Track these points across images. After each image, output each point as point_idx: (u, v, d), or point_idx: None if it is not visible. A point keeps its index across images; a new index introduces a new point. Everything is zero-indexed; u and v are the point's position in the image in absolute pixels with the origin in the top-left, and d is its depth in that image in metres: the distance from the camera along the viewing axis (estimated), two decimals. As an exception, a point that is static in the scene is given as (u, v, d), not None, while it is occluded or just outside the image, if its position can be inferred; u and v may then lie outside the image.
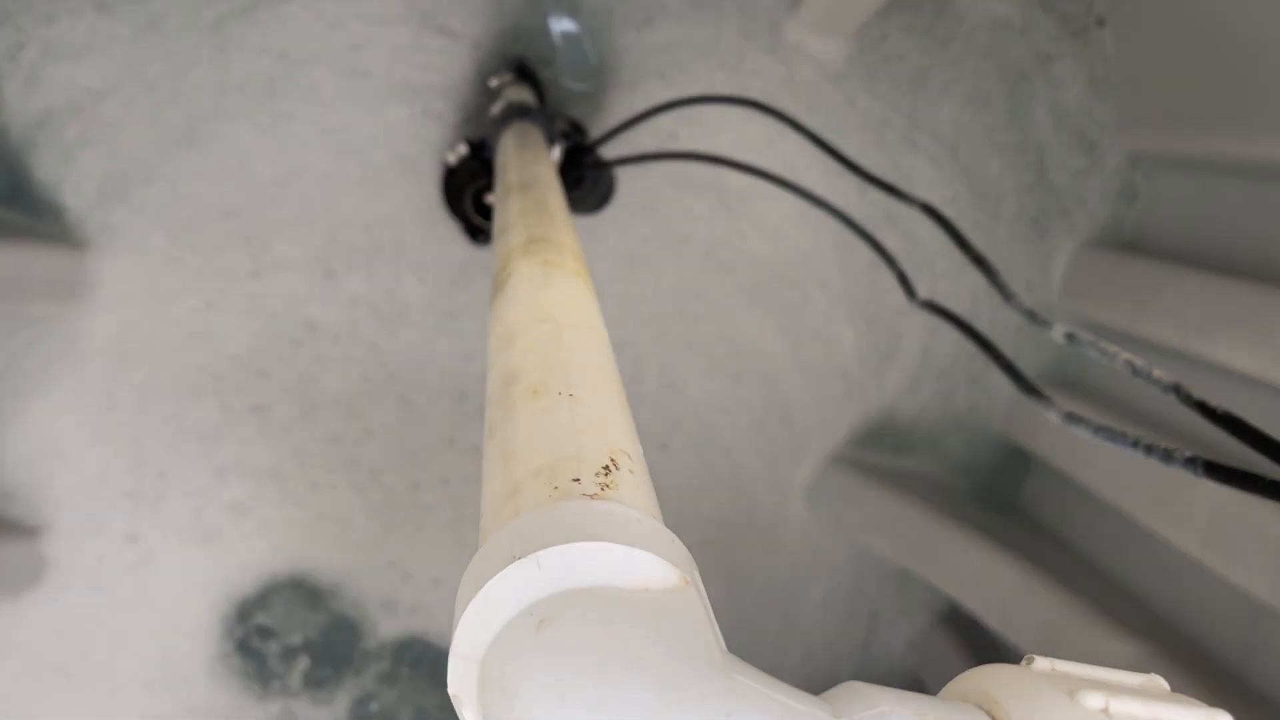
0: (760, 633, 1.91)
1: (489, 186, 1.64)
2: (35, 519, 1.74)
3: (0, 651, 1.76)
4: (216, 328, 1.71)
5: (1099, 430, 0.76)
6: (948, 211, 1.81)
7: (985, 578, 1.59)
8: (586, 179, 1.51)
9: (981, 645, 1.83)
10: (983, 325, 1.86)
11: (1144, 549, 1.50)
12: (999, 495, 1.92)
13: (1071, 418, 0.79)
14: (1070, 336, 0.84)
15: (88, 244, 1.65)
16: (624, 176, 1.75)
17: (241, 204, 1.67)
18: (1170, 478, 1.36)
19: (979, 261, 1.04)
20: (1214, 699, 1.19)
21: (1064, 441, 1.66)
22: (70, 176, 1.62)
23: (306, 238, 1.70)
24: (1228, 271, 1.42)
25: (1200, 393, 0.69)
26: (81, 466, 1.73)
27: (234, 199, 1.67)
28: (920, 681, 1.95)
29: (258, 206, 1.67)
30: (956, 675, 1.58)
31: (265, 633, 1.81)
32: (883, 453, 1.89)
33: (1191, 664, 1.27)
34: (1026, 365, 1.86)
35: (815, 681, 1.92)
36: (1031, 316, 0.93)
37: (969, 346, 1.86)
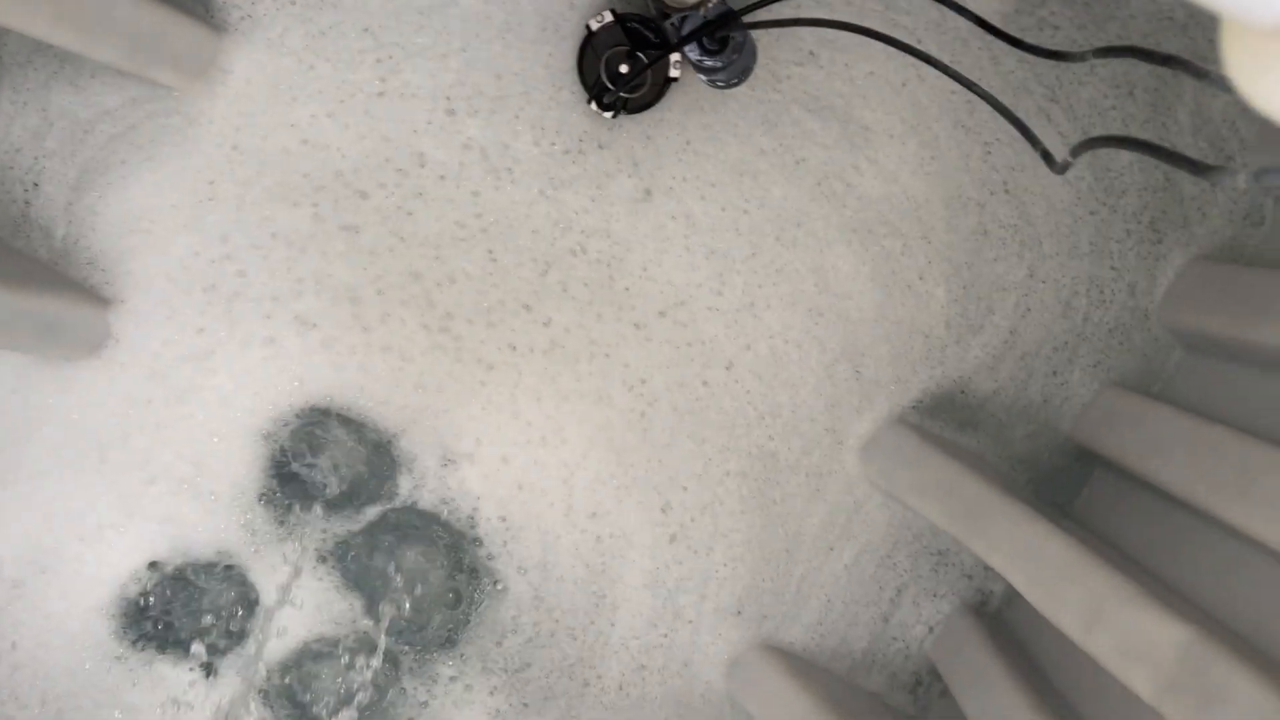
0: (783, 577, 1.87)
1: (627, 56, 1.64)
2: (110, 291, 1.76)
3: (43, 413, 1.78)
4: (330, 139, 1.72)
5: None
6: (1067, 192, 1.79)
7: (1032, 551, 1.54)
8: (730, 43, 1.51)
9: (1006, 642, 1.78)
10: (1078, 318, 1.83)
11: (1210, 544, 1.45)
12: (1056, 495, 1.87)
13: (1262, 173, 0.74)
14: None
15: (227, 29, 1.68)
16: (755, 86, 1.75)
17: (384, 23, 1.69)
18: (1260, 462, 1.32)
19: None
20: (1269, 695, 1.14)
21: (1142, 434, 1.62)
22: (228, -40, 1.65)
23: (438, 71, 1.71)
24: (1244, 429, 1.40)
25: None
26: (167, 250, 1.75)
27: (378, 16, 1.69)
28: (932, 666, 1.90)
29: (399, 29, 1.69)
30: (972, 667, 1.57)
31: (301, 455, 1.81)
32: (947, 425, 1.85)
33: (1245, 654, 1.22)
34: (1115, 365, 1.83)
35: (828, 642, 1.89)
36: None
37: (1058, 335, 1.83)
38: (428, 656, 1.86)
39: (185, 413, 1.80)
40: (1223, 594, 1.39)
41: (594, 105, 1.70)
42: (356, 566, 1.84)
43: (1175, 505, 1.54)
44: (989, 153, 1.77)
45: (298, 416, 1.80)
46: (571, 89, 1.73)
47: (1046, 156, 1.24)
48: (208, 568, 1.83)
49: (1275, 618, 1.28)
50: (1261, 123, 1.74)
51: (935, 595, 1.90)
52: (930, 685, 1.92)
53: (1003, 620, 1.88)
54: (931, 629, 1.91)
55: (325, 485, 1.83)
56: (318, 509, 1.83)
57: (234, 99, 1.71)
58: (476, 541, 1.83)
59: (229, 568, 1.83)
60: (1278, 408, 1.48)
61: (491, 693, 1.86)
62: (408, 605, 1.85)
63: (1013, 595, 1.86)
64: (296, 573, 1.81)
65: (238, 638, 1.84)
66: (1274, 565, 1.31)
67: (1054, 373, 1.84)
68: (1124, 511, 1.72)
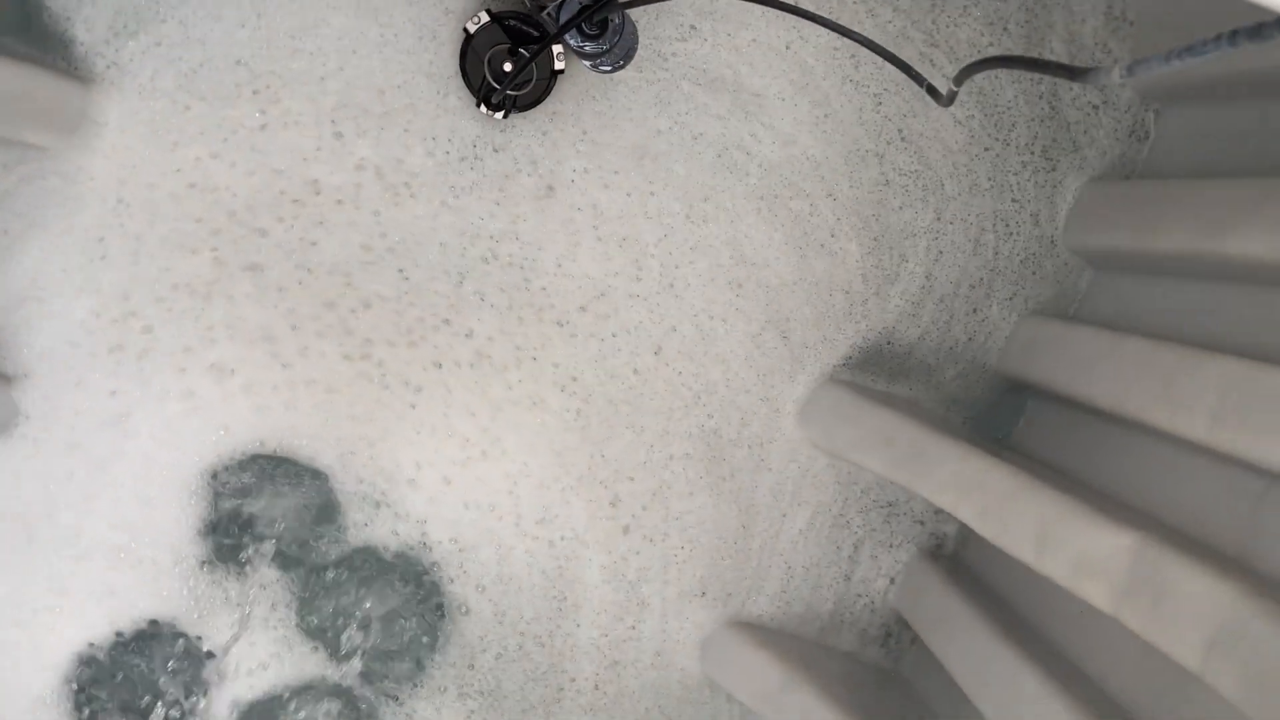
0: (742, 552, 1.88)
1: (509, 53, 1.62)
2: (11, 367, 1.70)
3: (-38, 501, 1.70)
4: (219, 180, 1.68)
5: (1169, 56, 0.72)
6: (960, 133, 1.82)
7: (977, 486, 1.57)
8: (609, 25, 1.50)
9: (966, 580, 1.81)
10: (988, 253, 1.86)
11: (1143, 454, 1.49)
12: (993, 430, 1.91)
13: (1134, 66, 0.75)
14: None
15: (94, 80, 1.63)
16: (642, 67, 1.74)
17: (255, 53, 1.65)
18: (1177, 366, 1.36)
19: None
20: (1217, 585, 1.17)
21: (1065, 357, 1.65)
22: (83, 9, 1.60)
23: (318, 95, 1.68)
24: (1234, 174, 1.43)
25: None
26: (66, 315, 1.69)
27: (248, 46, 1.65)
28: (899, 616, 1.92)
29: (272, 57, 1.66)
30: (937, 610, 1.60)
31: (237, 506, 1.76)
32: (878, 377, 1.87)
33: (1190, 550, 1.25)
34: (1031, 294, 1.87)
35: (794, 609, 1.89)
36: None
37: (972, 274, 1.86)
38: (400, 692, 1.82)
39: (110, 480, 1.73)
40: (1161, 497, 1.43)
41: (483, 108, 1.68)
42: (311, 612, 1.80)
43: (1106, 420, 1.58)
44: (880, 103, 1.79)
45: (227, 468, 1.75)
46: (458, 94, 1.71)
47: (932, 91, 1.26)
48: (152, 638, 1.77)
49: (1212, 511, 1.31)
50: (1133, 41, 1.78)
51: (891, 546, 1.92)
52: (900, 635, 1.94)
53: (960, 560, 1.90)
54: (893, 580, 1.93)
55: (266, 534, 1.78)
56: (261, 560, 1.78)
57: (112, 151, 1.65)
58: (432, 568, 1.80)
59: (176, 636, 1.77)
60: (1187, 311, 1.52)
61: (469, 717, 1.83)
62: (368, 644, 1.81)
63: (966, 534, 1.89)
64: (245, 623, 1.77)
65: (194, 703, 1.79)
66: (1203, 461, 1.34)
67: (974, 310, 1.87)
68: (1060, 434, 1.76)
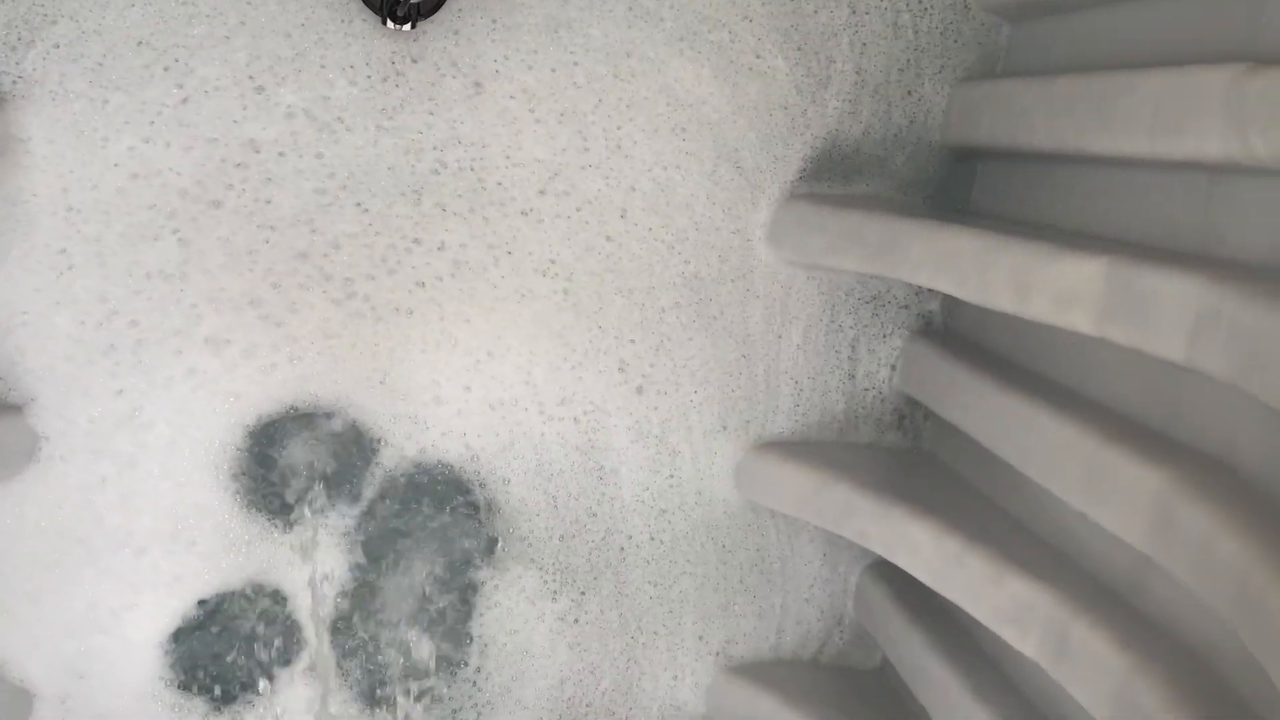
0: (750, 380, 1.97)
1: (401, -38, 1.62)
2: (17, 396, 1.74)
3: (16, 533, 1.77)
4: (159, 164, 1.68)
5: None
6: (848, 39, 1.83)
7: (949, 255, 1.64)
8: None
9: (961, 346, 1.91)
10: (908, 34, 1.90)
11: (1094, 184, 1.57)
12: (952, 201, 1.98)
13: None
14: None
15: (5, 99, 1.61)
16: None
17: (153, 30, 1.64)
18: (1108, 91, 1.42)
19: None
20: (1186, 281, 1.26)
21: (1001, 113, 1.72)
22: (-29, 30, 1.58)
23: (229, 55, 1.67)
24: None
25: None
26: (51, 333, 1.72)
27: (144, 25, 1.63)
28: (908, 397, 2.03)
29: (171, 30, 1.64)
30: (941, 381, 1.70)
31: (272, 463, 1.83)
32: (834, 182, 1.93)
33: (1156, 258, 1.34)
34: (957, 63, 1.91)
35: (810, 418, 2.00)
36: None
37: (900, 59, 1.90)
38: (481, 598, 1.93)
39: (141, 475, 1.80)
40: (1119, 219, 1.51)
41: (390, 23, 1.68)
42: (376, 540, 1.89)
43: (1052, 162, 1.66)
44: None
45: (250, 432, 1.81)
46: (361, 17, 1.71)
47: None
48: (232, 602, 1.86)
49: (1167, 217, 1.40)
50: None
51: (885, 335, 2.02)
52: (913, 415, 2.06)
53: (951, 330, 2.01)
54: (894, 366, 2.03)
55: (309, 484, 1.86)
56: (312, 508, 1.86)
57: (45, 163, 1.65)
58: (478, 475, 1.88)
59: (252, 593, 1.86)
60: (1109, 38, 1.58)
61: (554, 598, 1.95)
62: (437, 567, 1.91)
63: (951, 304, 1.99)
64: (315, 563, 1.85)
65: (291, 649, 1.90)
66: (1149, 174, 1.43)
67: (908, 93, 1.92)
68: (1013, 189, 1.84)
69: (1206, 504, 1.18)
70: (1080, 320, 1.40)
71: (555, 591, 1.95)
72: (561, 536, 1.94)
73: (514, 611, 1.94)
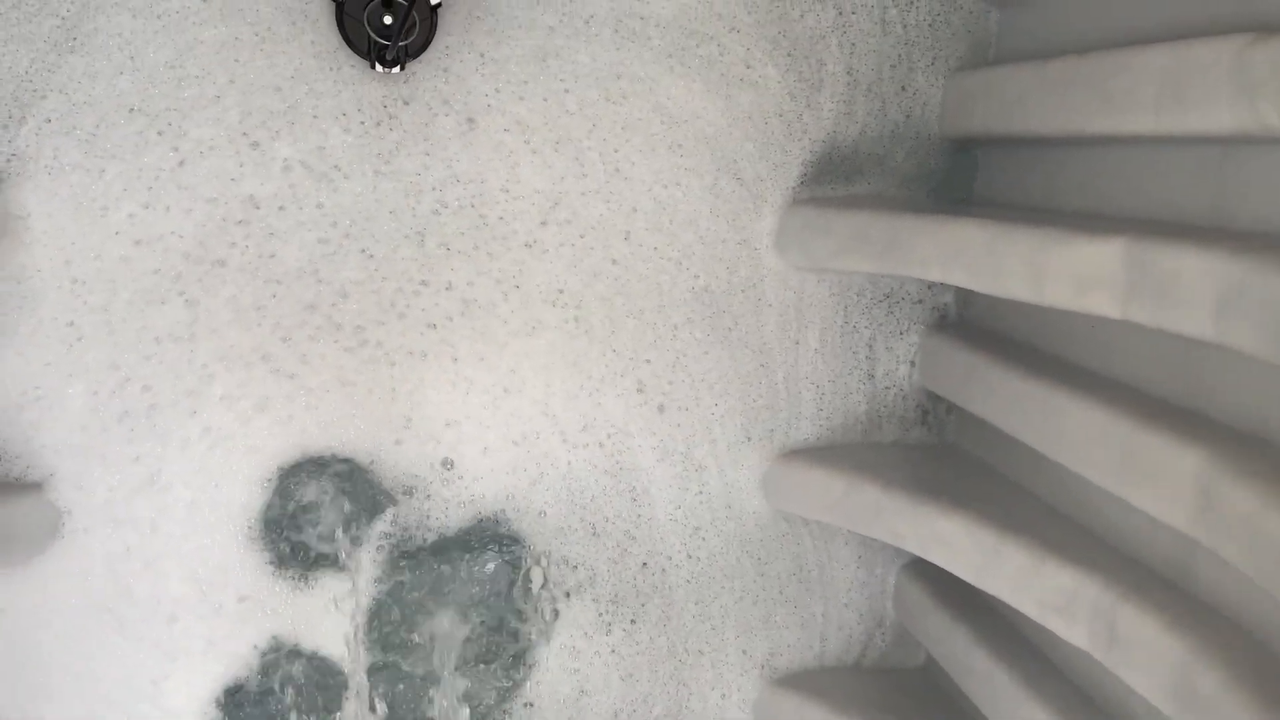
0: (770, 389, 1.96)
1: (383, 6, 1.61)
2: (35, 472, 1.73)
3: (46, 609, 1.76)
4: (159, 228, 1.68)
5: None
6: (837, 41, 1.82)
7: (958, 247, 1.63)
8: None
9: (978, 337, 1.89)
10: (897, 29, 1.89)
11: (1100, 165, 1.55)
12: (956, 193, 1.97)
13: None
14: None
15: (1, 178, 1.61)
16: (513, -28, 1.73)
17: (144, 96, 1.63)
18: (1108, 70, 1.41)
19: None
20: (1206, 256, 1.24)
21: (997, 100, 1.70)
22: (-38, 112, 1.57)
23: (220, 114, 1.66)
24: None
25: None
26: (65, 404, 1.72)
27: (134, 92, 1.63)
28: (929, 392, 2.02)
29: (161, 94, 1.64)
30: (961, 373, 1.68)
31: (299, 516, 1.82)
32: (836, 184, 1.92)
33: (1174, 234, 1.32)
34: (948, 54, 1.90)
35: (833, 422, 1.98)
36: None
37: (891, 55, 1.89)
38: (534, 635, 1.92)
39: (165, 539, 1.79)
40: (1130, 198, 1.50)
41: (379, 67, 1.67)
42: (412, 588, 1.88)
43: (1054, 146, 1.64)
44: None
45: (271, 487, 1.80)
46: (350, 63, 1.70)
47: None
48: (273, 663, 1.85)
49: (1180, 193, 1.39)
50: None
51: (901, 333, 2.00)
52: (935, 410, 2.05)
53: (966, 321, 1.99)
54: (913, 362, 2.02)
55: (336, 538, 1.85)
56: (340, 561, 1.85)
57: (46, 238, 1.65)
58: (515, 514, 1.87)
59: (292, 652, 1.85)
60: (1102, 16, 1.57)
61: (608, 630, 1.94)
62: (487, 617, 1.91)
63: (964, 296, 1.97)
64: (348, 598, 1.84)
65: (331, 703, 1.88)
66: (1156, 151, 1.41)
67: (902, 88, 1.91)
68: (1017, 176, 1.82)
69: (1249, 481, 1.16)
70: (1103, 304, 1.38)
71: (609, 623, 1.94)
72: (607, 561, 1.93)
73: (571, 647, 1.93)
